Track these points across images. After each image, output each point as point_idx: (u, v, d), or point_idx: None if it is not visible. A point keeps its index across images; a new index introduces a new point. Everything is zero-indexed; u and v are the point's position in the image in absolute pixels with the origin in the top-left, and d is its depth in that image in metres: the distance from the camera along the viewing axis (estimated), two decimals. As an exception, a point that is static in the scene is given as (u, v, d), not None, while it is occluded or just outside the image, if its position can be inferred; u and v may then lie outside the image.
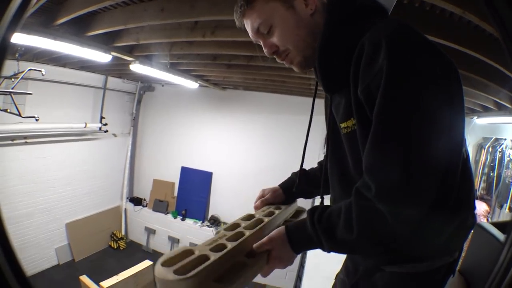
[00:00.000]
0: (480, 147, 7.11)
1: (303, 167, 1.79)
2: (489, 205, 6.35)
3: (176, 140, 10.34)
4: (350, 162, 1.24)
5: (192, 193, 9.99)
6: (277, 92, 8.60)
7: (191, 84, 7.44)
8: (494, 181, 6.47)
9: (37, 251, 7.85)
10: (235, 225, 1.39)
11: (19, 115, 5.55)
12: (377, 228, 1.00)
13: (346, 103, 1.18)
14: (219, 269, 1.08)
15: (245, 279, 1.11)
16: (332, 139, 1.36)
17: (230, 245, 1.18)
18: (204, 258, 1.09)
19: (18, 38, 3.91)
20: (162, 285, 1.01)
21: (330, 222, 1.10)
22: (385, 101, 0.94)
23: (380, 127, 0.96)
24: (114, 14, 4.17)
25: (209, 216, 9.86)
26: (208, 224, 9.53)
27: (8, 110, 5.55)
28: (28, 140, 7.27)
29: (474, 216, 1.27)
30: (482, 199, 6.63)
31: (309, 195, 1.82)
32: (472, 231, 1.36)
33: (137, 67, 5.69)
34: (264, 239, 1.23)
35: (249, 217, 1.48)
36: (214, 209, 9.90)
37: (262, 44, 1.31)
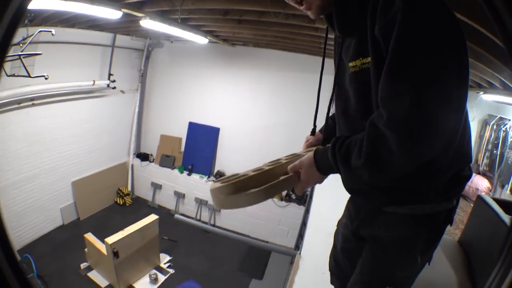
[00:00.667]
0: (485, 123, 7.13)
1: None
2: (491, 182, 6.39)
3: (184, 96, 10.36)
4: (352, 99, 1.35)
5: (199, 148, 10.09)
6: (287, 49, 8.55)
7: (201, 40, 7.39)
8: (497, 159, 6.50)
9: (42, 213, 7.98)
10: (277, 161, 1.51)
11: (28, 75, 5.54)
12: (382, 153, 1.04)
13: (356, 43, 1.26)
14: (256, 181, 1.29)
15: (275, 187, 1.31)
16: (339, 78, 1.47)
17: (267, 167, 1.39)
18: (246, 175, 1.33)
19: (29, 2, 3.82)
20: (213, 193, 1.30)
21: (347, 150, 1.16)
22: (402, 36, 0.99)
23: (395, 59, 1.00)
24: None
25: (215, 171, 9.98)
26: (214, 179, 9.46)
27: (16, 74, 5.55)
28: (35, 102, 7.28)
29: (470, 168, 1.37)
30: (484, 175, 6.67)
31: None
32: (468, 182, 1.39)
33: (147, 23, 5.63)
34: (296, 162, 1.35)
35: (292, 156, 1.57)
36: (220, 165, 10.04)
37: None
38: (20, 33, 5.62)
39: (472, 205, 3.54)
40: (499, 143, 6.48)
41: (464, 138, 1.24)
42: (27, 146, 7.32)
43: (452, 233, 4.10)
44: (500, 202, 2.87)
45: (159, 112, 10.93)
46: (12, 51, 5.51)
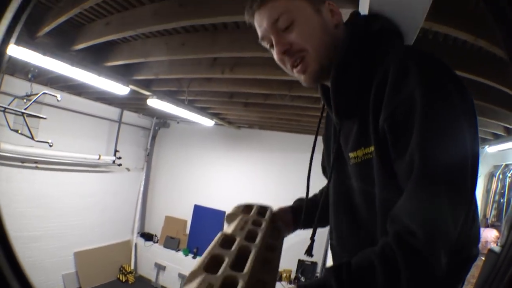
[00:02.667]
0: (491, 176, 7.06)
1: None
2: (499, 231, 6.26)
3: (189, 177, 10.31)
4: (360, 195, 1.13)
5: (204, 231, 9.84)
6: (292, 131, 8.62)
7: (207, 122, 7.43)
8: (504, 207, 6.45)
9: (43, 275, 7.70)
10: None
11: (32, 138, 5.54)
12: (426, 279, 0.83)
13: (358, 130, 1.09)
14: None
15: None
16: (337, 169, 1.25)
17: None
18: None
19: (33, 57, 3.85)
20: None
21: (365, 282, 0.86)
22: (424, 137, 0.85)
23: (423, 166, 0.84)
24: (134, 46, 4.22)
25: (221, 255, 9.64)
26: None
27: (20, 132, 5.55)
28: (39, 165, 7.25)
29: (478, 248, 1.16)
30: (493, 226, 6.55)
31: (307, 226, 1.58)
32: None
33: (154, 102, 5.68)
34: None
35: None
36: (226, 249, 9.70)
37: (274, 39, 1.13)
38: (23, 87, 5.69)
39: (483, 258, 3.38)
40: (505, 191, 6.45)
41: (474, 222, 1.06)
42: (31, 207, 7.20)
43: None
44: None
45: (164, 193, 10.84)
46: (15, 103, 5.55)
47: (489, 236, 6.07)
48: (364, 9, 1.42)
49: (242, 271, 0.88)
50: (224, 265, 0.91)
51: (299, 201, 1.75)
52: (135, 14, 3.37)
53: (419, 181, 0.84)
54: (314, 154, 1.73)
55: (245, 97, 5.55)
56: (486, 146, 6.52)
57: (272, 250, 1.21)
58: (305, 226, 1.60)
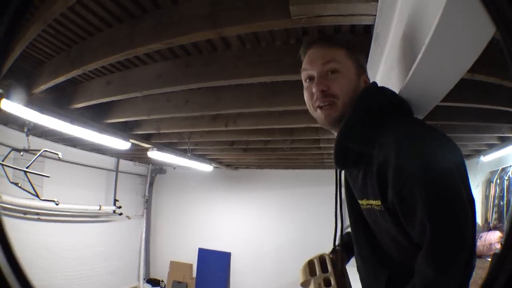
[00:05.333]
0: (488, 182, 7.15)
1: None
2: (502, 231, 6.35)
3: (190, 221, 10.27)
4: (373, 231, 1.34)
5: (211, 274, 9.77)
6: (290, 167, 8.70)
7: (206, 167, 7.42)
8: (505, 208, 6.49)
9: None
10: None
11: (37, 197, 5.48)
12: None
13: (362, 183, 1.26)
14: None
15: None
16: (352, 207, 1.44)
17: None
18: None
19: (30, 115, 3.79)
20: None
21: None
22: (431, 212, 1.01)
23: (431, 240, 1.03)
24: (136, 103, 4.20)
25: (231, 295, 9.65)
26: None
27: (20, 185, 5.47)
28: (41, 217, 7.13)
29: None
30: (495, 228, 6.62)
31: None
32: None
33: (154, 154, 5.67)
34: None
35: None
36: (235, 286, 9.68)
37: (317, 78, 1.30)
38: (20, 138, 5.55)
39: (489, 259, 3.37)
40: (504, 194, 6.51)
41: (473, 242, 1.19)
42: (35, 257, 6.97)
43: None
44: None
45: (167, 238, 10.78)
46: (12, 156, 5.48)
47: (493, 238, 6.15)
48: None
49: None
50: None
51: (345, 235, 1.86)
52: (138, 74, 3.39)
53: (432, 245, 1.03)
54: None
55: (245, 144, 5.59)
56: (481, 156, 6.79)
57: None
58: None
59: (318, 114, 1.34)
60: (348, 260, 1.79)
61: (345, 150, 1.28)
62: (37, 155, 5.33)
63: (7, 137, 5.88)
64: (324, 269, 1.62)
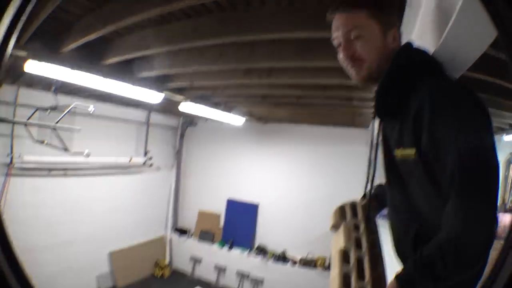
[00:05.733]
0: (508, 163, 7.27)
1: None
2: None
3: (220, 172, 10.38)
4: (406, 180, 1.41)
5: (238, 224, 9.96)
6: (322, 124, 8.64)
7: (237, 121, 7.50)
8: None
9: (77, 277, 7.80)
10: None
11: (67, 150, 5.53)
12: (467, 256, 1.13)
13: (398, 133, 1.35)
14: None
15: None
16: (386, 162, 1.52)
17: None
18: None
19: (60, 73, 3.86)
20: None
21: (433, 269, 1.18)
22: (462, 161, 1.10)
23: (459, 184, 1.11)
24: (170, 57, 4.22)
25: (256, 245, 9.78)
26: (256, 253, 9.48)
27: (46, 142, 5.57)
28: (68, 173, 7.30)
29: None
30: (511, 210, 6.77)
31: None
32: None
33: (187, 107, 5.71)
34: None
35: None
36: (261, 239, 9.84)
37: (343, 44, 1.41)
38: (45, 98, 5.67)
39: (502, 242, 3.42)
40: None
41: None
42: (62, 212, 7.26)
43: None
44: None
45: (196, 189, 10.92)
46: (37, 116, 5.59)
47: (507, 220, 6.11)
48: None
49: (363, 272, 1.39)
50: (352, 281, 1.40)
51: (377, 187, 2.00)
52: (173, 28, 3.40)
53: (458, 196, 1.12)
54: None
55: (277, 98, 5.57)
56: (504, 135, 6.69)
57: (374, 245, 1.58)
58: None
59: (350, 73, 1.46)
60: (379, 211, 1.92)
61: (384, 102, 1.42)
62: (67, 109, 5.37)
63: (32, 98, 5.92)
64: (354, 215, 1.75)
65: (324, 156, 8.84)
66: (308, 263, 8.71)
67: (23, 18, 0.81)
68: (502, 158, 7.18)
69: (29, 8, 0.81)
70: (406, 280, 1.25)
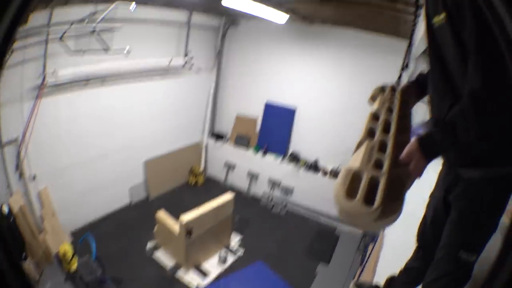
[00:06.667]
0: None
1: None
2: None
3: (260, 75, 10.26)
4: (443, 52, 1.51)
5: (274, 129, 9.98)
6: (366, 29, 8.28)
7: (280, 18, 7.27)
8: None
9: (109, 192, 8.10)
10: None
11: (108, 48, 5.47)
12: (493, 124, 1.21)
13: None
14: (390, 187, 1.30)
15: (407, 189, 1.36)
16: (429, 37, 1.62)
17: (386, 162, 1.41)
18: (374, 180, 1.33)
19: None
20: (354, 218, 1.27)
21: (455, 129, 1.28)
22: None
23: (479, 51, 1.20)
24: None
25: (290, 152, 9.83)
26: (289, 160, 9.56)
27: (84, 50, 5.62)
28: (105, 81, 7.29)
29: None
30: None
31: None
32: None
33: (230, 2, 5.48)
34: (406, 153, 1.38)
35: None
36: (295, 146, 9.88)
37: None
38: (80, 13, 5.66)
39: None
40: None
41: None
42: (97, 124, 7.37)
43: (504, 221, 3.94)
44: None
45: (235, 93, 10.91)
46: (74, 27, 5.51)
47: None
48: None
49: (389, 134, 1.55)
50: (377, 132, 1.59)
51: (418, 75, 2.14)
52: None
53: (477, 53, 1.21)
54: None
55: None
56: None
57: (406, 117, 1.72)
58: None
59: None
60: (419, 99, 2.05)
61: None
62: (109, 9, 5.24)
63: (68, 15, 5.78)
64: (392, 98, 1.88)
65: (366, 64, 8.60)
66: (338, 174, 8.68)
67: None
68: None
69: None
70: (427, 141, 1.36)
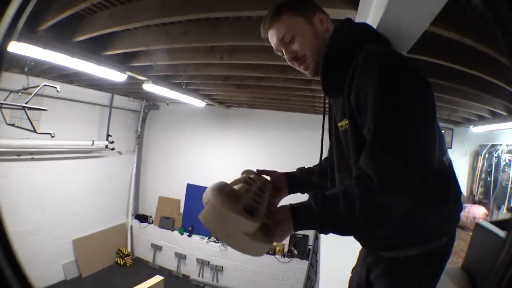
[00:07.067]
0: (477, 154, 7.50)
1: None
2: (487, 208, 6.70)
3: (181, 157, 10.46)
4: (347, 154, 1.50)
5: (198, 209, 9.58)
6: (281, 109, 8.88)
7: (198, 103, 7.62)
8: (491, 185, 6.79)
9: (43, 267, 7.81)
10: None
11: (34, 131, 5.57)
12: (377, 210, 1.20)
13: (341, 106, 1.46)
14: (267, 216, 1.28)
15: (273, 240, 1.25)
16: (334, 135, 1.64)
17: (263, 203, 1.35)
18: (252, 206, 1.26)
19: (33, 52, 3.92)
20: (234, 224, 1.15)
21: (333, 206, 1.23)
22: (377, 110, 1.20)
23: (375, 130, 1.20)
24: (135, 35, 4.29)
25: (216, 231, 9.81)
26: (215, 240, 9.62)
27: (16, 125, 5.58)
28: (34, 156, 7.32)
29: (460, 209, 1.58)
30: (480, 203, 7.01)
31: (308, 189, 1.99)
32: (459, 222, 1.61)
33: (150, 87, 5.81)
34: (277, 213, 1.33)
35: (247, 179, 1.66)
36: (220, 225, 9.85)
37: (284, 51, 1.58)
38: (19, 81, 5.77)
39: (471, 233, 3.69)
40: (492, 170, 6.80)
41: (450, 183, 1.47)
42: (28, 199, 7.27)
43: (455, 262, 4.17)
44: (496, 223, 3.15)
45: (157, 174, 10.99)
46: (11, 98, 5.60)
47: (477, 213, 6.46)
48: (364, 15, 1.97)
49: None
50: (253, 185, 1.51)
51: (297, 170, 2.23)
52: (140, 6, 3.47)
53: (373, 140, 1.21)
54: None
55: (239, 80, 5.69)
56: (471, 126, 6.89)
57: (273, 205, 1.58)
58: (301, 190, 2.06)
59: (302, 71, 1.63)
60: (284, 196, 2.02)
61: (329, 79, 1.54)
62: (37, 89, 5.41)
63: (7, 82, 5.94)
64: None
65: (284, 140, 9.10)
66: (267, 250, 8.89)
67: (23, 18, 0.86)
68: (470, 149, 7.59)
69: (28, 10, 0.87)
70: (302, 211, 1.30)
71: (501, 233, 2.71)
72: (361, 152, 1.25)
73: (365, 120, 1.24)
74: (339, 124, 1.51)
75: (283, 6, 1.55)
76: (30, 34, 3.78)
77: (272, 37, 1.58)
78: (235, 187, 1.39)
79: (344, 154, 1.53)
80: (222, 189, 1.25)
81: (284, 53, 1.59)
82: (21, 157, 7.00)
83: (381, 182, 1.15)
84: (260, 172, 1.99)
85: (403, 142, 1.16)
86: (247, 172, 1.90)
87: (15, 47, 3.67)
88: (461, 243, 5.19)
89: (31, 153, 7.20)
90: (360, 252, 1.95)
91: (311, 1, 1.64)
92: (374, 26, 1.71)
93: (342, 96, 1.43)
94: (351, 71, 1.33)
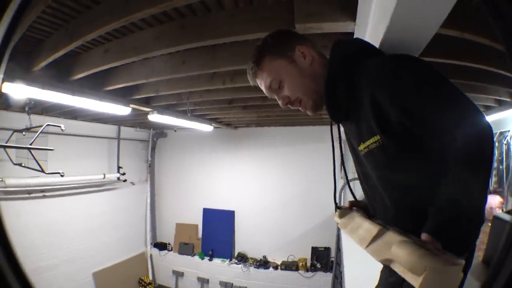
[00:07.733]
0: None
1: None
2: (502, 196, 6.48)
3: (194, 182, 10.41)
4: (373, 176, 1.42)
5: (216, 233, 9.97)
6: (289, 124, 8.84)
7: (206, 128, 7.58)
8: (504, 173, 6.65)
9: None
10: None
11: (42, 171, 5.52)
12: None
13: (356, 127, 1.39)
14: None
15: None
16: (356, 160, 1.55)
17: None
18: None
19: (31, 92, 3.87)
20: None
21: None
22: (428, 101, 1.18)
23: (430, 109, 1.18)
24: (133, 68, 4.25)
25: (236, 253, 9.81)
26: (236, 261, 9.52)
27: (23, 165, 5.50)
28: (46, 194, 7.26)
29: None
30: (495, 192, 6.75)
31: None
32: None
33: (155, 117, 5.77)
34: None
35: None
36: (240, 246, 9.87)
37: (276, 97, 1.55)
38: (22, 120, 5.70)
39: (489, 224, 3.59)
40: (503, 158, 6.68)
41: None
42: (42, 236, 7.18)
43: (476, 255, 4.04)
44: (512, 212, 3.05)
45: (172, 201, 10.93)
46: (14, 137, 5.56)
47: (493, 202, 6.24)
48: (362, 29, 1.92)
49: None
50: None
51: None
52: (136, 39, 3.44)
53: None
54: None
55: (244, 101, 5.66)
56: None
57: None
58: None
59: (302, 111, 1.58)
60: None
61: (335, 108, 1.47)
62: (40, 130, 5.37)
63: (9, 121, 5.96)
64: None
65: (295, 155, 9.06)
66: (289, 265, 8.84)
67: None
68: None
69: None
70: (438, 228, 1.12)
71: (520, 221, 2.64)
72: (406, 161, 1.26)
73: (420, 115, 1.17)
74: (361, 148, 1.39)
75: (262, 51, 1.51)
76: (24, 74, 3.74)
77: (261, 86, 1.55)
78: (371, 226, 1.25)
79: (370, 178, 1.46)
80: (412, 242, 1.01)
81: (278, 100, 1.56)
82: (32, 195, 6.94)
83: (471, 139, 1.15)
84: (352, 205, 1.78)
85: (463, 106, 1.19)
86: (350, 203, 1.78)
87: (10, 88, 3.62)
88: (481, 235, 5.06)
89: (42, 190, 7.15)
90: (382, 272, 1.78)
91: (288, 35, 1.61)
92: (376, 38, 1.68)
93: (354, 119, 1.39)
94: (368, 90, 1.26)
